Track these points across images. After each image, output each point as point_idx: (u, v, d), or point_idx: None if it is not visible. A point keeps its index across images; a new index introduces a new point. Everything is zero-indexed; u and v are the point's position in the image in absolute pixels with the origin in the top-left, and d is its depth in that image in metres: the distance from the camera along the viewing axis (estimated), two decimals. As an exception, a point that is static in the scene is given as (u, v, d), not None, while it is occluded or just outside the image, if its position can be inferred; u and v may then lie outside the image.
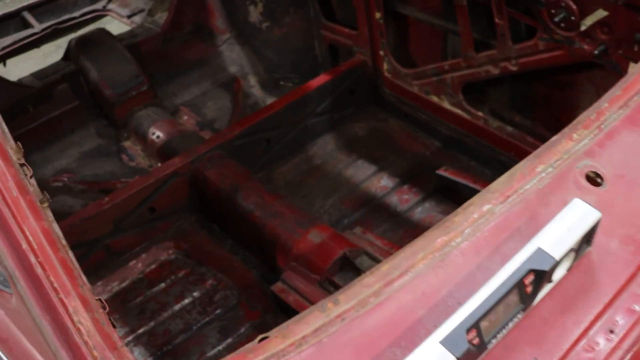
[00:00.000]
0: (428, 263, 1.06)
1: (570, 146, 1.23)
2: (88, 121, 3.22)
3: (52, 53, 4.24)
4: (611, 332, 1.00)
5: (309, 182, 3.00)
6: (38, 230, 1.01)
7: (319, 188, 2.97)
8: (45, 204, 1.03)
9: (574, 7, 2.15)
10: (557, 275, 1.03)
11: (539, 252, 0.97)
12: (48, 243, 1.01)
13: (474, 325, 0.91)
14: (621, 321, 1.01)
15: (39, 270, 1.00)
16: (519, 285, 0.96)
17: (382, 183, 2.94)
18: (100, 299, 1.04)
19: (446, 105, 2.87)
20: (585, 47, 2.20)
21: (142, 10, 3.76)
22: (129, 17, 3.74)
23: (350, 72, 3.16)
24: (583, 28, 2.17)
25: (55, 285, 1.00)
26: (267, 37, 3.44)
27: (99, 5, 3.75)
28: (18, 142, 1.07)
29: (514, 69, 2.49)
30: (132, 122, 3.17)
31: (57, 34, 3.71)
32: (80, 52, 3.21)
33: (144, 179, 2.69)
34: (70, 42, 3.32)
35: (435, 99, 2.91)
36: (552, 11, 2.22)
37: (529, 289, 0.97)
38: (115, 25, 3.81)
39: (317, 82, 3.10)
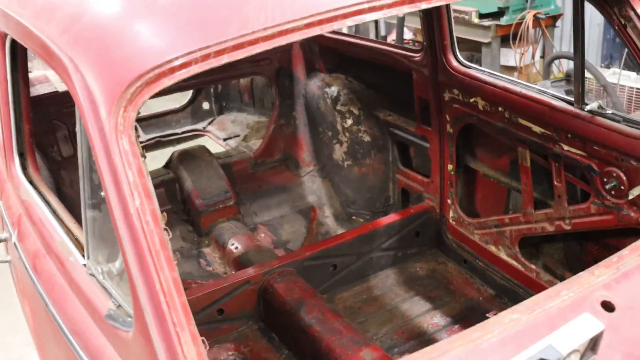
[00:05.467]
0: (463, 348, 1.37)
1: (592, 279, 1.54)
2: (175, 225, 3.66)
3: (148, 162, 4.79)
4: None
5: (367, 310, 3.30)
6: (169, 278, 1.36)
7: (375, 316, 3.26)
8: (176, 262, 1.39)
9: (624, 178, 2.48)
10: (564, 372, 1.30)
11: (549, 347, 1.26)
12: (175, 289, 1.36)
13: (490, 393, 1.20)
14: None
15: (164, 307, 1.34)
16: (530, 370, 1.24)
17: (434, 320, 3.21)
18: (203, 340, 1.37)
19: (503, 255, 3.17)
20: (632, 214, 2.51)
21: (237, 135, 4.30)
22: (225, 140, 4.28)
23: (418, 215, 3.52)
24: (630, 197, 2.49)
25: (175, 320, 1.34)
26: (346, 174, 3.88)
27: (199, 126, 4.32)
28: (164, 212, 1.45)
29: (568, 228, 2.80)
30: (214, 231, 3.59)
31: (159, 146, 4.28)
32: (180, 163, 3.72)
33: (218, 282, 3.05)
34: (173, 153, 3.84)
35: (493, 248, 3.22)
36: (605, 179, 2.56)
37: (539, 376, 1.26)
38: (210, 145, 4.33)
39: (386, 220, 3.47)
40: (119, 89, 1.44)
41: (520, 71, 6.13)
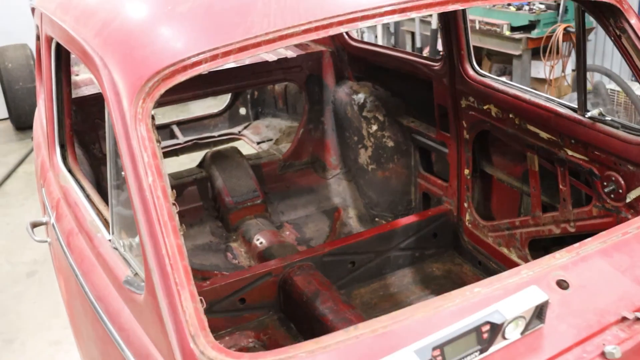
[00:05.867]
0: (425, 314, 1.58)
1: (552, 261, 1.73)
2: (206, 220, 3.93)
3: (186, 164, 5.10)
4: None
5: (383, 306, 3.50)
6: (174, 245, 1.60)
7: (390, 312, 3.45)
8: (181, 232, 1.64)
9: (622, 181, 2.65)
10: (511, 335, 1.50)
11: (496, 311, 1.46)
12: (179, 254, 1.60)
13: (439, 346, 1.40)
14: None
15: (169, 269, 1.58)
16: (477, 330, 1.44)
17: (447, 318, 3.39)
18: (201, 298, 1.61)
19: (514, 257, 3.34)
20: (630, 217, 2.66)
21: (270, 140, 4.57)
22: (258, 143, 4.56)
23: (436, 217, 3.72)
24: (628, 200, 2.65)
25: (177, 280, 1.58)
26: (371, 177, 4.10)
27: (235, 130, 4.61)
28: (173, 190, 1.70)
29: (572, 230, 2.96)
30: (241, 228, 3.85)
31: (196, 148, 4.58)
32: (213, 163, 3.99)
33: (242, 273, 3.30)
34: (206, 153, 4.13)
35: (505, 250, 3.40)
36: (605, 183, 2.73)
37: (485, 336, 1.45)
38: (245, 147, 4.61)
39: (405, 221, 3.68)
40: (139, 83, 1.70)
41: (550, 83, 6.27)
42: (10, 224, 5.86)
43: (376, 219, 4.12)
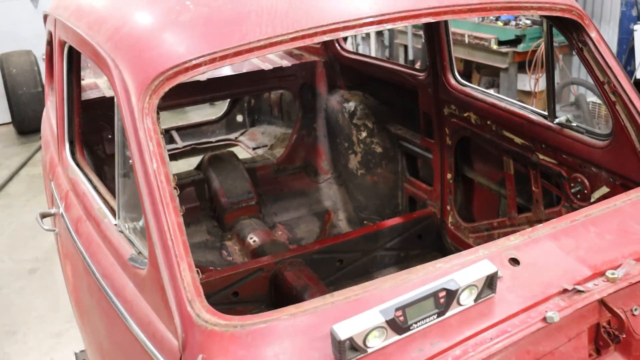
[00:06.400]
0: (392, 284, 1.84)
1: (506, 243, 2.00)
2: (202, 220, 4.19)
3: (184, 168, 5.36)
4: (491, 339, 1.72)
5: (368, 302, 3.75)
6: (175, 222, 1.86)
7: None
8: (181, 212, 1.90)
9: (587, 183, 2.91)
10: (466, 302, 1.76)
11: (451, 280, 1.72)
12: (179, 230, 1.86)
13: (401, 308, 1.66)
14: (498, 334, 1.73)
15: (170, 243, 1.84)
16: (435, 295, 1.70)
17: (429, 313, 3.65)
18: (198, 269, 1.86)
19: (492, 256, 3.60)
20: (593, 216, 2.93)
21: (265, 146, 4.85)
22: (254, 149, 4.83)
23: (421, 219, 3.98)
24: (592, 200, 2.91)
25: (177, 253, 1.83)
26: (360, 182, 4.37)
27: (232, 136, 4.88)
28: (175, 175, 1.96)
29: (544, 230, 3.22)
30: (236, 227, 4.11)
31: (194, 152, 4.84)
32: (210, 166, 4.26)
33: (235, 268, 3.56)
34: (204, 156, 4.40)
35: (484, 250, 3.65)
36: (572, 184, 2.99)
37: (442, 301, 1.71)
38: (242, 153, 4.88)
39: (390, 222, 3.94)
40: (146, 82, 1.96)
41: (535, 96, 6.57)
42: (13, 223, 6.14)
43: (365, 222, 4.38)
